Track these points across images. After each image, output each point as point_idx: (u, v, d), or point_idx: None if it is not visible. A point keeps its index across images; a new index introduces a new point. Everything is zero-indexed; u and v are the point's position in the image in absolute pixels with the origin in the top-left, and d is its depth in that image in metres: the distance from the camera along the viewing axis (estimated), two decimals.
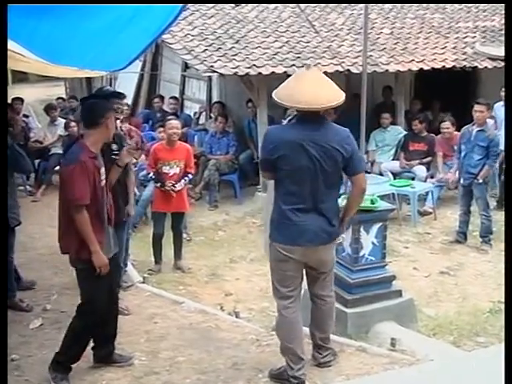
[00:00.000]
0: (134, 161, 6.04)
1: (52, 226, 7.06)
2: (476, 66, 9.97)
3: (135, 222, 7.91)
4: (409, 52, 9.87)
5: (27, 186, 9.90)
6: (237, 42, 9.25)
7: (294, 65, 8.69)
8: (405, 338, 4.72)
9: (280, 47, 9.27)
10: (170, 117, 7.28)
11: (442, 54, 9.98)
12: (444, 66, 9.68)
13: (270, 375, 4.09)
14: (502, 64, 8.68)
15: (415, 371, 4.08)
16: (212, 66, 8.40)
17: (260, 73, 8.54)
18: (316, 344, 4.21)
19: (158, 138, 7.89)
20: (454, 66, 9.77)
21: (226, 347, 4.63)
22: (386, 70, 9.30)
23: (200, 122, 11.05)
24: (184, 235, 7.15)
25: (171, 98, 11.16)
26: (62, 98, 14.04)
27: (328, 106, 3.82)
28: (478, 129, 7.25)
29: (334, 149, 3.77)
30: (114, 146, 4.81)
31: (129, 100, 12.45)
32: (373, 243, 4.99)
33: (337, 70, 8.82)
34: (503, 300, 4.25)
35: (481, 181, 7.21)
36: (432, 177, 9.02)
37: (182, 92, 11.92)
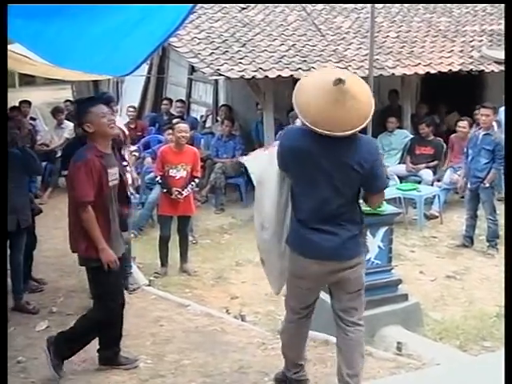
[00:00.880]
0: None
1: (58, 228, 7.14)
2: (482, 70, 9.95)
3: (141, 225, 7.94)
4: (415, 55, 9.86)
5: (33, 189, 9.93)
6: (243, 45, 9.26)
7: (300, 68, 8.67)
8: (411, 342, 4.71)
9: (286, 50, 9.27)
10: (178, 120, 7.27)
11: (449, 57, 9.96)
12: (450, 70, 9.65)
13: (275, 379, 4.05)
14: None
15: (421, 375, 4.05)
16: (218, 70, 8.40)
17: (266, 76, 8.54)
18: (343, 381, 3.56)
19: (165, 140, 7.89)
20: (460, 70, 9.75)
21: (231, 350, 4.62)
22: (393, 74, 9.29)
23: (206, 125, 11.09)
24: (190, 238, 7.16)
25: (178, 101, 11.20)
26: (69, 101, 14.08)
27: (352, 131, 3.33)
28: (484, 132, 7.24)
29: (349, 166, 3.38)
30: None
31: (135, 103, 12.53)
32: (379, 247, 4.98)
33: None
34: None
35: (487, 185, 7.21)
36: (439, 180, 8.99)
37: (189, 95, 11.96)
